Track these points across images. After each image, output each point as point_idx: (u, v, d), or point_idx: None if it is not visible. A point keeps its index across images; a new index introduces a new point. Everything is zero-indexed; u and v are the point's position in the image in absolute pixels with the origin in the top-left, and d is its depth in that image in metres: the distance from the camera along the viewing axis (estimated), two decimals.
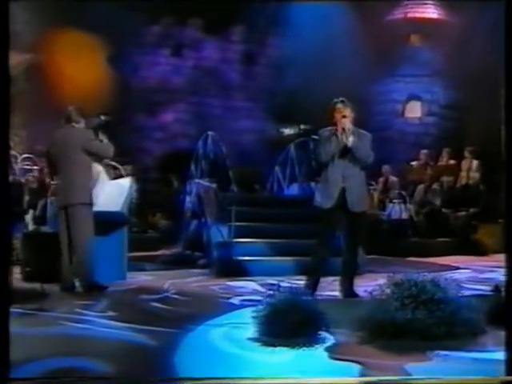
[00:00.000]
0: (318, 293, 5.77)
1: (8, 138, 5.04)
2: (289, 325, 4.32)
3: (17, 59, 13.71)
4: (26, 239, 7.19)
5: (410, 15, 15.69)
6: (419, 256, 10.30)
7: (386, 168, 12.98)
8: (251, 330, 4.39)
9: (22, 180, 10.59)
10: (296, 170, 10.10)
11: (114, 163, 10.51)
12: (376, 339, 4.30)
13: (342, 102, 5.95)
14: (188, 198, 9.47)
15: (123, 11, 13.97)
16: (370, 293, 4.60)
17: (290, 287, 4.58)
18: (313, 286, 5.82)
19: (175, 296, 6.17)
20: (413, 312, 4.34)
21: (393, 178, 12.79)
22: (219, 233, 8.05)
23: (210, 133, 9.68)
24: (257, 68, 15.45)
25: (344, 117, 5.85)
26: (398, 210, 11.26)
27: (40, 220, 9.84)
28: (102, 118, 14.45)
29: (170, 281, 7.15)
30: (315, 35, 14.39)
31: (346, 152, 5.83)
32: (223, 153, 8.85)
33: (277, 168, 10.67)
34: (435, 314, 4.34)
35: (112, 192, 7.04)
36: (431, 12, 15.67)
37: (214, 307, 5.50)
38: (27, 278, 6.81)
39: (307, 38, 14.27)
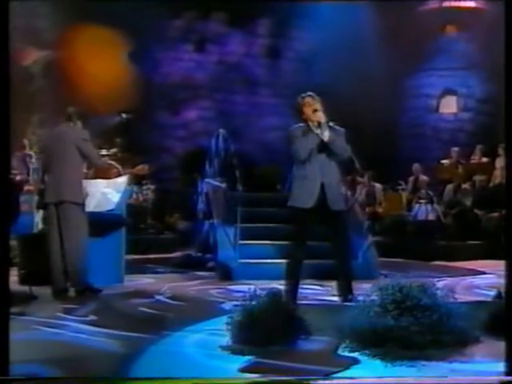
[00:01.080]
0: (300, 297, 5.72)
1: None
2: (263, 331, 4.27)
3: (35, 56, 13.95)
4: (21, 240, 7.27)
5: (445, 4, 15.44)
6: (446, 260, 10.13)
7: (416, 166, 12.80)
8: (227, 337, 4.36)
9: (31, 180, 10.72)
10: None
11: (112, 162, 10.59)
12: (356, 347, 4.22)
13: (311, 95, 5.86)
14: (200, 199, 9.48)
15: (144, 5, 14.08)
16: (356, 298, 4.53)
17: (268, 291, 4.49)
18: (292, 290, 5.74)
19: (167, 300, 6.18)
20: (395, 319, 4.24)
21: (423, 178, 12.60)
22: (225, 234, 8.03)
23: (221, 130, 9.66)
24: (283, 62, 15.38)
25: (315, 110, 5.76)
26: (424, 211, 11.07)
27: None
28: (123, 115, 14.74)
29: (170, 284, 7.17)
30: (343, 27, 14.28)
31: (323, 147, 5.74)
32: (232, 151, 8.81)
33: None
34: (420, 321, 4.23)
35: (108, 191, 7.06)
36: (468, 0, 15.38)
37: (203, 312, 5.47)
38: (22, 280, 6.88)
39: (335, 31, 14.16)
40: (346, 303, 5.73)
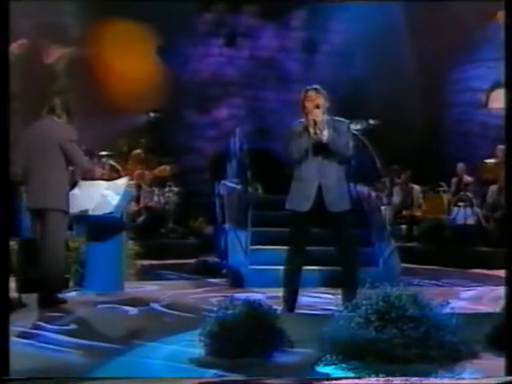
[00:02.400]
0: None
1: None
2: (236, 343, 4.20)
3: (58, 54, 14.16)
4: (18, 247, 7.34)
5: None
6: (486, 267, 9.87)
7: (460, 166, 12.54)
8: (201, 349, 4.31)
9: None
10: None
11: (113, 163, 10.67)
12: (336, 360, 4.12)
13: (315, 89, 5.80)
14: (217, 201, 9.49)
15: None
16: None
17: (245, 300, 4.43)
18: (290, 298, 5.70)
19: (161, 308, 6.17)
20: (378, 331, 4.13)
21: (467, 178, 12.33)
22: (237, 239, 8.00)
23: (238, 128, 9.65)
24: (318, 57, 15.28)
25: (317, 107, 5.67)
26: (463, 215, 10.82)
27: None
28: (151, 114, 14.86)
29: (173, 291, 7.17)
30: (382, 18, 14.10)
31: (320, 147, 5.65)
32: (245, 150, 8.79)
33: None
34: (405, 333, 4.11)
35: (108, 194, 7.09)
36: None
37: (191, 322, 5.42)
38: (18, 288, 6.94)
39: (373, 22, 13.98)
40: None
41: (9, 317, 4.26)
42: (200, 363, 4.14)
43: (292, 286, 5.83)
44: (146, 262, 9.58)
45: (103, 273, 6.99)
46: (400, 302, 4.21)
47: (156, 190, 11.75)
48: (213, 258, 9.33)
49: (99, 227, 7.09)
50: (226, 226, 8.35)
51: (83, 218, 7.14)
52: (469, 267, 9.89)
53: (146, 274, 8.77)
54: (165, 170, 12.16)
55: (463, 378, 3.93)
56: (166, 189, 11.94)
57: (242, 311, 4.33)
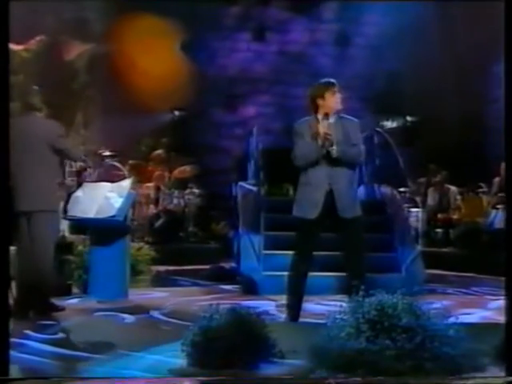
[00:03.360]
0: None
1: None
2: (220, 353, 4.18)
3: (79, 50, 14.31)
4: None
5: None
6: None
7: (504, 166, 12.31)
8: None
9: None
10: (363, 169, 9.82)
11: (116, 163, 10.70)
12: (325, 372, 4.07)
13: (332, 84, 5.77)
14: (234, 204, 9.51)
15: None
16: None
17: (230, 308, 4.41)
18: (294, 307, 5.67)
19: (160, 317, 6.19)
20: (369, 341, 4.07)
21: None
22: (250, 243, 7.99)
23: (254, 127, 9.64)
24: (352, 50, 15.18)
25: (327, 114, 5.60)
26: (501, 218, 10.61)
27: None
28: (176, 112, 14.93)
29: (179, 299, 7.19)
30: (420, 8, 13.95)
31: (329, 158, 5.60)
32: (260, 150, 8.78)
33: None
34: (397, 344, 4.04)
35: (111, 196, 7.12)
36: None
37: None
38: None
39: (410, 13, 13.85)
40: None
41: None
42: (180, 374, 4.12)
43: (296, 293, 5.79)
44: (162, 268, 9.69)
45: (106, 279, 7.02)
46: (394, 310, 4.15)
47: (176, 193, 11.79)
48: (230, 264, 9.35)
49: (101, 231, 7.14)
50: (240, 229, 8.33)
51: (85, 222, 7.19)
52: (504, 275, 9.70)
53: (160, 280, 8.88)
54: (185, 170, 12.20)
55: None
56: (187, 191, 11.96)
57: (227, 320, 4.31)
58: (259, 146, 8.92)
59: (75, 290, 7.50)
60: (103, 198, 7.13)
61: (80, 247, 7.70)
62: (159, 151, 13.00)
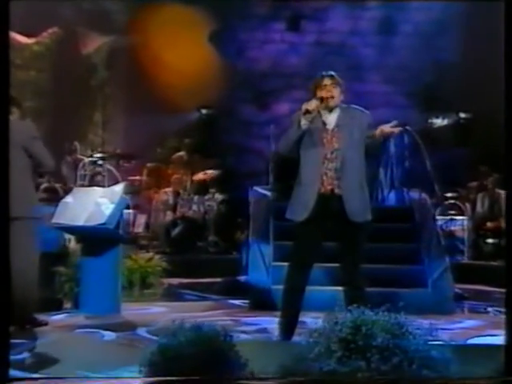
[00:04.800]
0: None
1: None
2: (178, 373, 4.22)
3: (97, 43, 14.52)
4: None
5: None
6: None
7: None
8: None
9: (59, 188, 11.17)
10: (394, 172, 9.82)
11: (110, 167, 10.81)
12: None
13: (331, 76, 5.79)
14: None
15: None
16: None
17: (198, 324, 4.44)
18: (288, 324, 5.65)
19: (144, 335, 6.28)
20: (340, 362, 4.06)
21: None
22: (260, 253, 8.04)
23: (272, 125, 9.67)
24: (397, 40, 15.07)
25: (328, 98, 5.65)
26: None
27: None
28: (203, 111, 15.05)
29: (176, 314, 7.24)
30: None
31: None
32: (273, 152, 8.81)
33: (381, 170, 10.41)
34: (372, 365, 4.03)
35: (103, 202, 7.22)
36: None
37: None
38: None
39: None
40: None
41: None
42: None
43: (291, 309, 5.79)
44: (174, 281, 9.79)
45: (96, 293, 7.14)
46: (370, 328, 4.13)
47: (195, 198, 11.88)
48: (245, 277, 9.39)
49: (91, 240, 7.25)
50: (250, 238, 8.38)
51: (73, 230, 7.30)
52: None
53: (170, 294, 8.99)
54: (206, 174, 12.27)
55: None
56: (207, 196, 12.03)
57: (190, 338, 4.34)
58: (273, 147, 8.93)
59: (68, 303, 7.64)
60: (94, 204, 7.23)
61: (72, 258, 7.82)
62: (181, 153, 13.10)
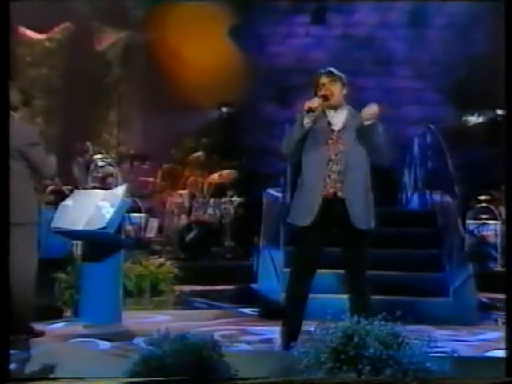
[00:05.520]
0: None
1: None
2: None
3: (111, 39, 14.63)
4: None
5: None
6: None
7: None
8: None
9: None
10: (417, 173, 9.81)
11: (112, 170, 10.86)
12: None
13: (330, 73, 5.81)
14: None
15: None
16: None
17: (184, 333, 4.48)
18: (289, 334, 5.67)
19: (141, 344, 6.24)
20: (330, 373, 4.08)
21: None
22: (270, 259, 8.07)
23: (286, 124, 9.65)
24: (430, 32, 15.01)
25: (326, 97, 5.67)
26: None
27: None
28: (223, 109, 15.09)
29: (179, 323, 7.29)
30: None
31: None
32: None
33: (405, 171, 10.40)
34: (362, 377, 4.04)
35: (103, 205, 7.28)
36: None
37: None
38: None
39: None
40: None
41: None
42: None
43: (292, 319, 5.82)
44: (187, 288, 9.85)
45: (96, 300, 7.19)
46: (362, 338, 4.14)
47: (211, 201, 11.92)
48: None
49: (91, 245, 7.31)
50: (260, 243, 8.42)
51: (73, 234, 7.37)
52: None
53: (181, 302, 9.06)
54: (221, 176, 12.31)
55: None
56: (223, 199, 12.06)
57: (175, 348, 4.38)
58: None
59: (68, 312, 7.72)
60: (94, 208, 7.28)
61: (73, 264, 7.90)
62: (198, 153, 13.14)
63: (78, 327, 7.04)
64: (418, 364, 4.11)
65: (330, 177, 5.74)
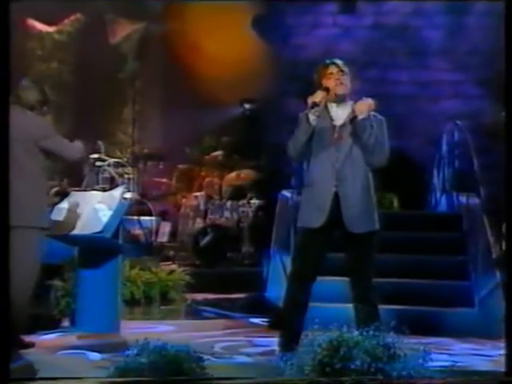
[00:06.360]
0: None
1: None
2: None
3: (126, 30, 14.71)
4: None
5: None
6: None
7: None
8: None
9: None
10: (445, 173, 9.77)
11: (112, 172, 10.86)
12: None
13: (337, 64, 5.87)
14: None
15: None
16: None
17: (163, 345, 4.51)
18: (288, 344, 5.63)
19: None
20: None
21: None
22: (281, 265, 8.09)
23: None
24: (468, 20, 14.88)
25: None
26: None
27: None
28: (246, 106, 15.10)
29: (178, 334, 7.36)
30: None
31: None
32: None
33: (434, 171, 10.38)
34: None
35: (101, 208, 7.33)
36: None
37: None
38: None
39: None
40: None
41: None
42: None
43: (292, 327, 5.82)
44: (200, 296, 9.90)
45: (93, 309, 7.25)
46: (349, 350, 4.14)
47: (228, 204, 11.93)
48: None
49: (86, 251, 7.37)
50: (271, 248, 8.44)
51: (67, 239, 7.42)
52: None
53: (191, 311, 9.12)
54: (240, 176, 12.32)
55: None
56: (241, 201, 12.05)
57: (153, 359, 4.41)
58: None
59: (64, 321, 7.79)
60: (91, 211, 7.34)
61: (70, 270, 7.96)
62: (217, 153, 13.16)
63: (72, 338, 7.11)
64: (408, 377, 4.10)
65: (332, 175, 5.75)
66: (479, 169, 8.69)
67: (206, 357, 4.62)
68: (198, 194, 12.23)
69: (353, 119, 5.78)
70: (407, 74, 14.78)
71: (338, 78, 5.87)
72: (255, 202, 12.18)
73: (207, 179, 12.36)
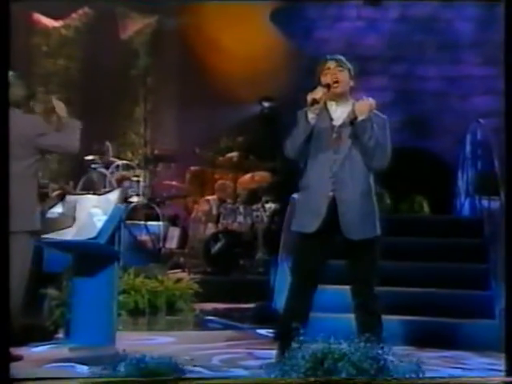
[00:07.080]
0: None
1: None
2: None
3: (137, 25, 14.77)
4: None
5: None
6: None
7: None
8: None
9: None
10: (469, 175, 9.73)
11: (105, 171, 10.89)
12: None
13: (336, 60, 5.85)
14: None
15: None
16: None
17: (141, 357, 4.53)
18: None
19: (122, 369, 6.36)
20: None
21: None
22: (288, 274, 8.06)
23: None
24: (501, 11, 14.80)
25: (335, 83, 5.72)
26: None
27: None
28: (265, 104, 15.09)
29: (176, 346, 7.37)
30: None
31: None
32: None
33: (459, 173, 10.34)
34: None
35: (96, 212, 7.36)
36: None
37: None
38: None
39: None
40: None
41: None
42: None
43: (290, 339, 5.81)
44: (209, 306, 9.90)
45: (87, 320, 7.27)
46: (333, 362, 4.14)
47: (241, 208, 11.92)
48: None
49: (80, 258, 7.40)
50: (279, 255, 8.43)
51: (61, 245, 7.46)
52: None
53: (198, 322, 9.15)
54: (254, 179, 12.30)
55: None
56: (255, 206, 12.03)
57: (130, 372, 4.43)
58: None
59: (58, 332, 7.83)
60: (86, 215, 7.36)
61: (66, 279, 7.99)
62: (232, 154, 13.14)
63: (63, 350, 7.14)
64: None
65: (329, 178, 5.75)
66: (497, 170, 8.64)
67: (202, 370, 4.62)
68: (209, 197, 12.21)
69: (353, 120, 5.75)
70: (436, 69, 14.71)
71: (334, 74, 5.89)
72: (270, 206, 12.14)
73: (219, 182, 12.35)
